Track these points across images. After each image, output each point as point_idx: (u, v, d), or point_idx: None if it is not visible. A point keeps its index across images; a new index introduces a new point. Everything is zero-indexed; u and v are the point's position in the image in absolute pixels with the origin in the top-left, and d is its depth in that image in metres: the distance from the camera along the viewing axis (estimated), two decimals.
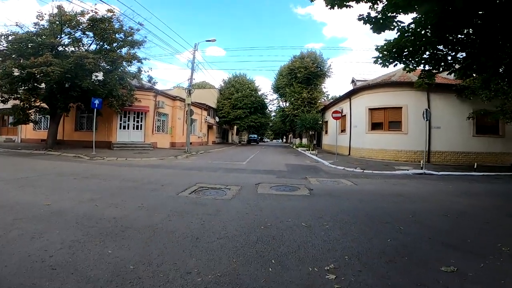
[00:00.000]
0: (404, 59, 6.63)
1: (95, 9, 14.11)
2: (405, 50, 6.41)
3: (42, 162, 10.07)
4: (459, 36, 6.22)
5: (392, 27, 5.61)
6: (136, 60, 16.02)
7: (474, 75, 7.79)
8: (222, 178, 7.63)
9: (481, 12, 5.33)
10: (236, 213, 4.09)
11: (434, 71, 7.22)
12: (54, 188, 5.51)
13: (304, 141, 30.86)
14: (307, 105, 30.67)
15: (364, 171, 9.90)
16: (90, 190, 5.46)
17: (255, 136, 48.43)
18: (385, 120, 14.60)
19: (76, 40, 14.87)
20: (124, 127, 18.39)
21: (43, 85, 13.89)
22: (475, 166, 10.99)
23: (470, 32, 6.08)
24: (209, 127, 32.68)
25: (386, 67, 6.74)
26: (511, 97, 10.74)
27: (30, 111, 15.58)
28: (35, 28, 14.11)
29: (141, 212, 3.99)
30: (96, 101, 13.05)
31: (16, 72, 12.61)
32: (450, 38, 6.16)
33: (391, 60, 6.64)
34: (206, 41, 18.16)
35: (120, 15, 15.53)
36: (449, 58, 6.69)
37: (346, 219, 3.94)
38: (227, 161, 12.81)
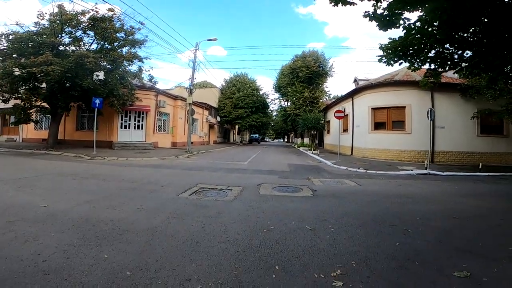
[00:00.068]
0: (409, 58, 6.49)
1: (96, 8, 14.05)
2: (410, 49, 6.27)
3: (42, 162, 9.99)
4: (466, 34, 6.08)
5: (399, 25, 5.47)
6: (137, 59, 15.97)
7: (481, 74, 7.64)
8: (223, 178, 7.51)
9: (489, 10, 5.18)
10: (238, 216, 3.97)
11: (440, 69, 7.07)
12: (52, 189, 5.42)
13: (306, 140, 30.70)
14: (309, 104, 30.46)
15: (368, 171, 9.76)
16: (89, 191, 5.36)
17: (257, 135, 48.32)
18: (388, 120, 14.43)
19: (77, 39, 14.79)
20: (125, 127, 18.32)
21: (44, 85, 13.84)
22: (480, 167, 10.84)
23: (477, 30, 5.94)
24: (211, 126, 32.59)
25: (390, 65, 6.61)
26: None
27: (31, 111, 15.52)
28: (36, 27, 14.02)
29: (139, 215, 3.88)
30: (97, 101, 12.96)
31: (17, 72, 12.55)
32: (457, 36, 6.02)
33: (396, 59, 6.51)
34: (207, 40, 18.00)
35: (121, 14, 15.49)
36: (456, 56, 6.55)
37: (351, 222, 3.81)
38: (228, 161, 12.70)
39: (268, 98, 39.62)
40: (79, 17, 14.13)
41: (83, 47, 14.92)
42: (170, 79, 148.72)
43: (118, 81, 14.60)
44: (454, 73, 8.28)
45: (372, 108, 15.04)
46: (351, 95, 17.75)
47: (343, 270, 2.40)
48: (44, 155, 12.29)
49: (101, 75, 13.25)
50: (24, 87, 13.97)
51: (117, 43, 15.23)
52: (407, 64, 6.80)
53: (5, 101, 14.52)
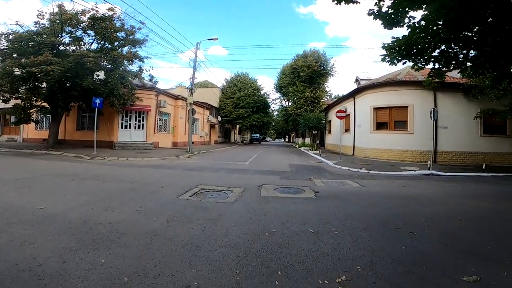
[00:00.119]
0: (413, 57, 6.41)
1: (96, 7, 13.98)
2: (415, 48, 6.19)
3: (42, 162, 9.94)
4: (471, 33, 5.99)
5: (404, 23, 5.38)
6: (137, 59, 15.89)
7: (486, 73, 7.54)
8: (224, 179, 7.43)
9: (495, 7, 5.09)
10: (239, 218, 3.88)
11: (444, 69, 6.98)
12: (51, 190, 5.35)
13: (307, 140, 30.58)
14: (310, 104, 30.35)
15: (370, 171, 9.66)
16: (88, 192, 5.29)
17: (258, 135, 48.27)
18: (390, 120, 14.34)
19: (77, 39, 14.73)
20: (126, 127, 18.27)
21: (44, 85, 13.79)
22: (483, 167, 10.74)
23: (482, 29, 5.85)
24: (211, 126, 32.51)
25: (394, 65, 6.54)
26: None
27: (31, 111, 15.49)
28: (36, 27, 13.97)
29: (138, 217, 3.80)
30: (97, 100, 12.90)
31: (17, 72, 12.50)
32: (462, 35, 5.93)
33: (399, 58, 6.43)
34: (208, 39, 17.88)
35: (121, 13, 15.43)
36: (460, 56, 6.46)
37: (355, 224, 3.72)
38: (229, 161, 12.62)
39: (269, 98, 39.57)
40: (79, 17, 14.08)
41: (83, 47, 14.85)
42: (170, 79, 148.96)
43: (118, 80, 14.54)
44: (458, 73, 8.19)
45: (374, 108, 14.94)
46: (353, 94, 17.66)
47: (348, 276, 2.31)
48: (44, 155, 12.24)
49: (101, 74, 13.18)
50: (24, 87, 13.93)
51: (117, 43, 15.16)
52: (411, 64, 6.72)
53: (5, 101, 14.48)
